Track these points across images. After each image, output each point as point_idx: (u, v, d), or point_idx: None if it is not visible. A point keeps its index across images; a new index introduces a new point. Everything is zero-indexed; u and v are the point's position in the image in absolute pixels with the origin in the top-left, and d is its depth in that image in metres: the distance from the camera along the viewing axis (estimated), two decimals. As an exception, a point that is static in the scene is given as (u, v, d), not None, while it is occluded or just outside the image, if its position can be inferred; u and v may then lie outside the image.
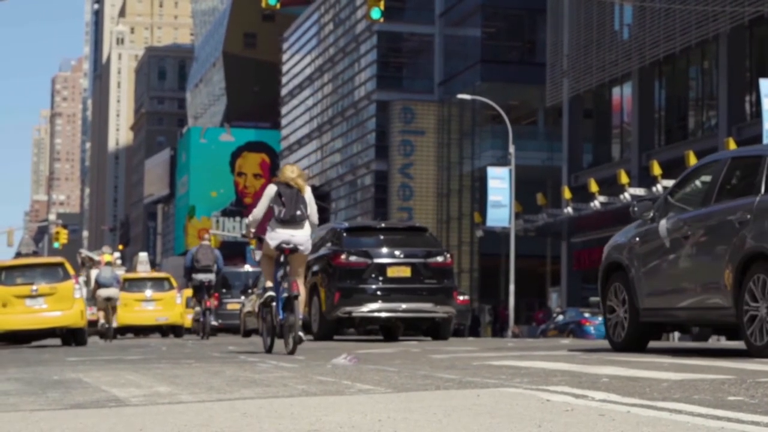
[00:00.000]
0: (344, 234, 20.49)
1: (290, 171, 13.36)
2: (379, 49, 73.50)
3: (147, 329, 36.18)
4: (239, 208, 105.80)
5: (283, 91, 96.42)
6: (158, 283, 36.79)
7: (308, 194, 13.33)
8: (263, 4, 27.92)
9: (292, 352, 12.77)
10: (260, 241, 13.70)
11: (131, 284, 36.78)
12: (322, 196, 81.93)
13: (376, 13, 27.54)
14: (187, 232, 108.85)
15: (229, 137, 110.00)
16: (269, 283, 13.44)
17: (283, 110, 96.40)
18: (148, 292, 35.89)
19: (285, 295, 13.05)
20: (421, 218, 68.14)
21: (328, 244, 20.54)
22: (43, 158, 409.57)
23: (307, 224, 13.24)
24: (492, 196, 49.89)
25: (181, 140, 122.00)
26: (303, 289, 13.42)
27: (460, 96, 54.43)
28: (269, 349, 13.61)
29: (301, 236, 13.16)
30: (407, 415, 5.63)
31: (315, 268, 20.07)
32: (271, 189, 13.27)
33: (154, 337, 35.26)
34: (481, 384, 7.54)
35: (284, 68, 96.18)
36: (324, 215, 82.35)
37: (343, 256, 19.81)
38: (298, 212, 13.09)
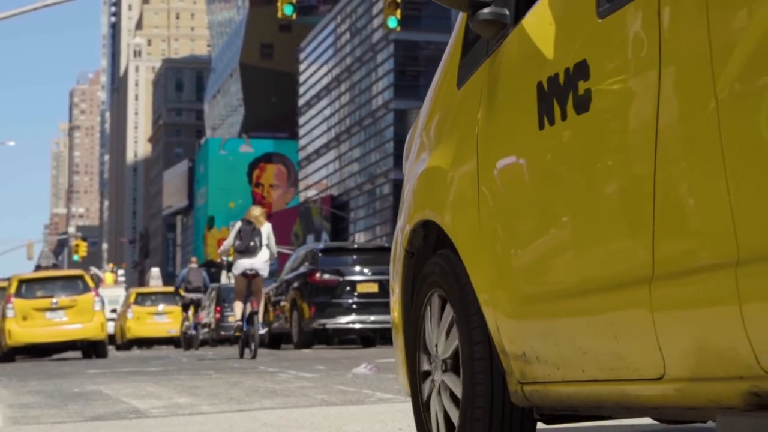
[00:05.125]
0: (320, 254, 22.58)
1: (255, 210, 16.76)
2: (396, 57, 73.60)
3: (159, 341, 37.15)
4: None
5: (301, 101, 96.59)
6: (169, 297, 37.44)
7: (265, 229, 16.52)
8: (280, 14, 27.94)
9: (253, 357, 15.89)
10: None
11: (144, 298, 38.16)
12: (340, 206, 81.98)
13: (392, 22, 27.51)
14: (206, 242, 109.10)
15: (249, 148, 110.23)
16: (239, 322, 16.61)
17: (301, 120, 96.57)
18: (160, 306, 37.04)
19: (249, 311, 16.37)
20: (439, 226, 68.12)
21: (306, 263, 22.58)
22: (62, 171, 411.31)
23: (260, 253, 16.36)
24: (510, 204, 49.91)
25: (199, 152, 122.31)
26: (262, 303, 17.27)
27: (478, 104, 54.37)
28: (241, 355, 16.66)
29: (259, 263, 16.39)
30: (428, 423, 5.62)
31: (295, 284, 22.28)
32: (236, 226, 16.62)
33: (156, 349, 35.79)
34: (502, 392, 7.50)
35: (301, 78, 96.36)
36: (343, 225, 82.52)
37: (318, 274, 21.81)
38: (251, 243, 16.26)
